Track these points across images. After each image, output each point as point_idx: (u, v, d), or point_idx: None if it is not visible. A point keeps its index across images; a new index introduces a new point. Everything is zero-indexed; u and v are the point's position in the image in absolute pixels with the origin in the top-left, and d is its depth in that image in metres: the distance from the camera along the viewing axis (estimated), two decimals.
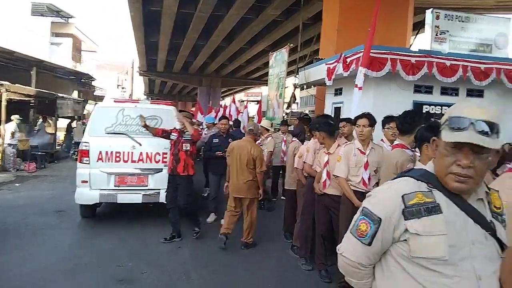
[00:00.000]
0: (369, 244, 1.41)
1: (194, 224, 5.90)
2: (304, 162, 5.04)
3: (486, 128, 1.25)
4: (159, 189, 6.21)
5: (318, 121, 4.70)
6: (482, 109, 1.30)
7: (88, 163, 6.11)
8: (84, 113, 19.48)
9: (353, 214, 3.85)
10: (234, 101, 16.60)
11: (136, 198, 6.23)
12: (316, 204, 4.56)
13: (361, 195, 3.89)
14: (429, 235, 1.30)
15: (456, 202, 1.33)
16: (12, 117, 12.37)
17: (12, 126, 12.17)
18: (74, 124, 18.08)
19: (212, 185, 6.91)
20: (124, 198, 6.17)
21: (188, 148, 5.64)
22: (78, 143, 15.51)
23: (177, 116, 5.95)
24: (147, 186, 6.30)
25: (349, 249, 1.50)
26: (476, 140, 1.24)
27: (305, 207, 4.86)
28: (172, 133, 5.76)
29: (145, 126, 5.70)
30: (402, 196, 1.36)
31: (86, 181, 6.11)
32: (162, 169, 6.26)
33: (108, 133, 6.22)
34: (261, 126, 8.22)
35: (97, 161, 6.13)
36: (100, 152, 6.15)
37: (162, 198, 6.10)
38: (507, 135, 7.51)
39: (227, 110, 17.50)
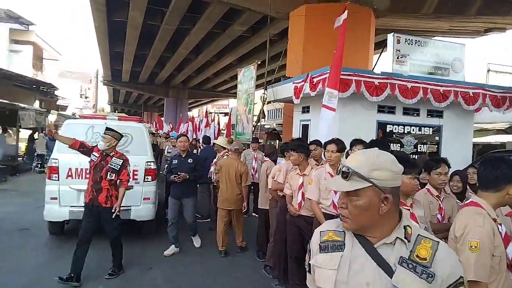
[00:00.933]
0: (309, 271, 1.59)
1: (113, 264, 5.13)
2: (274, 180, 5.18)
3: (344, 174, 1.39)
4: (130, 206, 6.24)
5: (295, 144, 4.80)
6: (352, 157, 1.45)
7: (57, 180, 6.09)
8: (47, 124, 18.79)
9: None
10: (206, 116, 16.51)
11: None
12: (288, 226, 4.69)
13: (331, 218, 4.06)
14: (324, 268, 1.44)
15: (361, 243, 1.40)
16: None
17: None
18: (36, 136, 17.49)
19: (171, 208, 6.10)
20: None
21: (113, 178, 4.86)
22: (40, 155, 15.11)
23: (103, 136, 5.00)
24: None
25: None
26: (329, 184, 1.54)
27: (278, 227, 4.97)
28: (94, 152, 4.96)
29: (55, 135, 5.29)
30: (320, 233, 1.54)
31: (56, 198, 6.07)
32: (132, 186, 6.23)
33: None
34: (216, 144, 8.12)
35: (67, 178, 6.12)
36: (70, 169, 6.14)
37: (133, 215, 6.31)
38: (464, 154, 8.05)
39: (196, 123, 17.51)
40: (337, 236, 1.47)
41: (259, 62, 11.62)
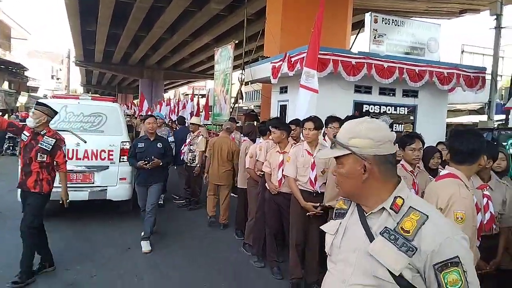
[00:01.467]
0: None
1: (20, 266, 4.26)
2: (257, 160, 5.19)
3: (332, 143, 1.47)
4: (106, 186, 6.32)
5: (276, 121, 4.83)
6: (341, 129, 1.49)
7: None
8: (17, 105, 18.25)
9: (301, 213, 4.09)
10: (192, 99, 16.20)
11: (82, 195, 6.21)
12: (267, 203, 4.73)
13: (308, 195, 4.12)
14: (327, 233, 1.53)
15: (358, 212, 1.44)
16: None
17: None
18: (6, 117, 16.93)
19: (141, 197, 5.61)
20: (71, 196, 5.93)
21: (44, 159, 4.24)
22: (12, 138, 14.65)
23: (33, 111, 4.44)
24: (93, 183, 6.31)
25: None
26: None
27: (259, 205, 5.00)
28: (24, 131, 4.35)
29: None
30: (336, 201, 1.62)
31: None
32: (108, 166, 6.36)
33: None
34: (191, 123, 8.12)
35: None
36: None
37: (109, 195, 6.37)
38: (438, 133, 8.24)
39: (173, 104, 17.27)
40: (345, 204, 1.53)
41: (237, 42, 11.48)
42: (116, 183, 6.40)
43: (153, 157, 5.38)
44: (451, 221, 1.37)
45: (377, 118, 7.89)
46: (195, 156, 7.60)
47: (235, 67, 12.21)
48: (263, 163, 5.00)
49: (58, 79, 57.29)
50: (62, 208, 5.01)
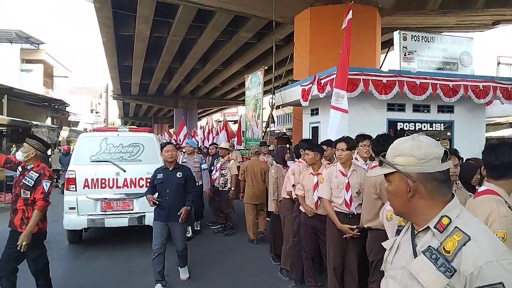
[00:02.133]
0: None
1: None
2: (293, 185, 5.17)
3: (380, 161, 1.49)
4: (144, 212, 6.52)
5: (309, 143, 4.83)
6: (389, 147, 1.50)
7: (75, 190, 6.35)
8: (59, 139, 19.13)
9: (338, 235, 4.01)
10: (226, 127, 16.41)
11: (122, 222, 6.49)
12: (302, 227, 4.68)
13: (344, 217, 4.05)
14: (387, 249, 1.55)
15: (411, 230, 1.44)
16: None
17: None
18: (49, 152, 17.74)
19: (157, 235, 4.95)
20: (111, 222, 6.41)
21: (28, 197, 3.86)
22: (56, 170, 15.29)
23: (24, 144, 4.14)
24: (132, 209, 6.57)
25: None
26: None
27: (296, 229, 4.94)
28: (19, 167, 4.12)
29: None
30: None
31: (74, 208, 6.33)
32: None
33: (93, 161, 6.51)
34: (220, 148, 8.30)
35: (84, 188, 6.38)
36: (86, 180, 6.40)
37: (147, 221, 6.47)
38: (477, 148, 7.94)
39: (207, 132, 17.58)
40: (404, 222, 1.55)
41: (266, 68, 11.66)
42: (153, 209, 6.53)
43: (168, 190, 4.93)
44: (503, 245, 1.26)
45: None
46: (226, 180, 7.72)
47: (265, 92, 12.38)
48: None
49: (97, 112, 59.81)
50: (103, 235, 5.19)
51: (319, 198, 4.38)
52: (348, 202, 4.05)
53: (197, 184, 6.67)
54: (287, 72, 12.27)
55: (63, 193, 6.57)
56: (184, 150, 10.64)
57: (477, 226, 1.31)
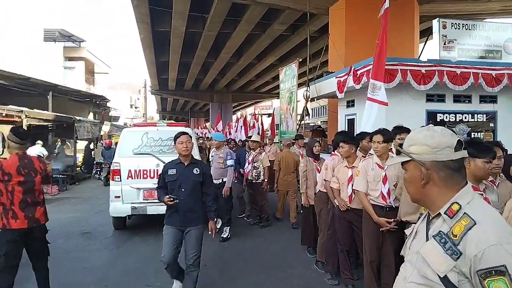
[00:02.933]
0: None
1: None
2: (324, 180, 5.15)
3: (397, 150, 1.58)
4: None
5: (345, 136, 4.74)
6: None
7: (120, 181, 6.88)
8: (101, 134, 19.85)
9: (374, 228, 3.98)
10: (255, 118, 16.30)
11: (162, 209, 6.54)
12: (337, 220, 4.67)
13: (381, 209, 4.00)
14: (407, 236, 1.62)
15: (427, 216, 1.52)
16: (37, 142, 12.76)
17: (37, 149, 12.50)
18: (91, 146, 18.47)
19: (168, 244, 4.11)
20: (152, 209, 6.80)
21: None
22: (99, 163, 15.94)
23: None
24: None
25: None
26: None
27: (331, 222, 4.95)
28: None
29: None
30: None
31: (119, 196, 6.87)
32: None
33: (135, 154, 7.01)
34: (251, 141, 8.34)
35: (127, 179, 6.88)
36: (130, 171, 6.86)
37: None
38: None
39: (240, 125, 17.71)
40: (424, 210, 1.60)
41: (301, 60, 11.60)
42: None
43: (183, 190, 4.06)
44: (508, 230, 1.28)
45: (453, 127, 7.50)
46: (259, 172, 7.82)
47: (300, 85, 12.30)
48: (329, 181, 4.98)
49: (136, 107, 61.43)
50: (143, 224, 5.40)
51: (353, 191, 4.35)
52: (386, 195, 4.00)
53: (221, 180, 6.86)
54: (321, 64, 12.16)
55: (106, 185, 6.90)
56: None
57: (485, 212, 1.35)
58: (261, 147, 8.42)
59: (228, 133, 19.38)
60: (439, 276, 1.30)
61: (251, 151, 8.15)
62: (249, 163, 8.00)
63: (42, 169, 3.97)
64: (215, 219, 4.34)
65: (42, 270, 4.06)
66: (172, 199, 3.98)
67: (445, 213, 1.38)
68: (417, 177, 1.44)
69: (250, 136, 9.21)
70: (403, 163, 1.51)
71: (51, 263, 5.53)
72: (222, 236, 6.73)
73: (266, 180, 7.80)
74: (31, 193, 3.82)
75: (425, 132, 1.46)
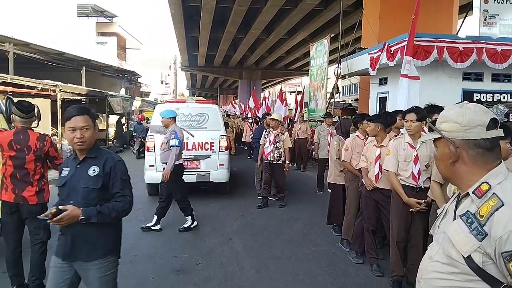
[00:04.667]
0: None
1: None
2: (343, 161, 5.09)
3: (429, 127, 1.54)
4: (209, 171, 7.90)
5: (372, 115, 4.70)
6: None
7: (154, 152, 7.60)
8: (132, 109, 20.24)
9: (403, 209, 3.91)
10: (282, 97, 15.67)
11: (192, 178, 7.68)
12: (364, 199, 4.60)
13: (411, 190, 3.91)
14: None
15: (457, 196, 1.49)
16: None
17: None
18: (123, 120, 18.86)
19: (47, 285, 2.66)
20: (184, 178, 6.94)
21: None
22: (132, 137, 16.33)
23: None
24: (199, 168, 7.91)
25: None
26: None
27: (361, 201, 4.89)
28: None
29: None
30: None
31: (153, 165, 7.63)
32: (210, 155, 7.92)
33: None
34: (271, 119, 7.77)
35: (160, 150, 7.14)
36: (162, 143, 6.90)
37: (212, 178, 7.92)
38: None
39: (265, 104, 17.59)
40: (457, 189, 1.56)
41: (333, 35, 11.32)
42: (216, 168, 7.92)
43: (72, 201, 2.43)
44: None
45: (490, 107, 7.17)
46: (281, 153, 7.48)
47: (331, 62, 12.05)
48: (346, 162, 5.02)
49: (166, 83, 62.20)
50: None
51: (382, 170, 4.26)
52: (416, 175, 3.89)
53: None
54: (354, 40, 11.82)
55: (138, 158, 7.11)
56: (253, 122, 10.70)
57: None
58: (284, 127, 8.03)
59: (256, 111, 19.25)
60: (463, 256, 1.28)
61: (271, 129, 7.64)
62: (270, 143, 7.51)
63: (38, 148, 3.70)
64: (111, 215, 2.48)
65: (33, 253, 3.74)
66: (54, 212, 2.30)
67: (473, 192, 1.35)
68: (446, 154, 1.42)
69: (269, 113, 9.01)
70: (434, 140, 1.49)
71: None
72: (184, 226, 6.09)
73: (288, 162, 7.55)
74: (21, 170, 3.67)
75: (457, 109, 1.42)
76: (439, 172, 1.55)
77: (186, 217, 6.13)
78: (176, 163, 5.92)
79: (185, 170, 6.73)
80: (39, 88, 11.72)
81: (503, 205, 1.24)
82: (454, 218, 1.39)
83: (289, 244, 5.54)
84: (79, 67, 19.74)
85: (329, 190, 6.66)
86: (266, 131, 7.78)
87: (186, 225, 6.07)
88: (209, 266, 4.71)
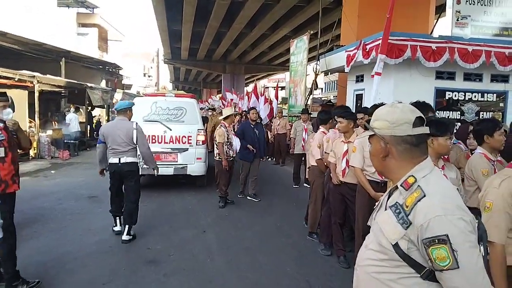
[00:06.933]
0: None
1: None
2: (325, 152, 5.18)
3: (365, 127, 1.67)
4: (186, 164, 8.00)
5: (343, 110, 4.72)
6: None
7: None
8: (113, 101, 20.03)
9: (369, 203, 4.04)
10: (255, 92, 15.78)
11: (169, 171, 7.92)
12: (331, 193, 4.73)
13: (376, 185, 4.05)
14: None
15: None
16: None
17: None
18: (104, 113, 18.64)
19: None
20: (161, 171, 7.04)
21: (2, 155, 3.57)
22: None
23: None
24: (177, 161, 7.98)
25: None
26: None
27: (327, 195, 5.01)
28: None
29: None
30: None
31: None
32: (188, 148, 7.99)
33: (145, 121, 7.56)
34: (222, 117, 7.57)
35: None
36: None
37: (189, 171, 8.03)
38: None
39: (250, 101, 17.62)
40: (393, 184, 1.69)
41: (312, 32, 11.42)
42: (194, 161, 8.02)
43: None
44: (456, 202, 1.35)
45: (462, 105, 7.39)
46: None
47: (311, 59, 12.16)
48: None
49: (149, 76, 61.55)
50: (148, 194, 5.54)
51: (348, 166, 4.39)
52: None
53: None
54: (335, 37, 11.93)
55: None
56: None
57: (438, 185, 1.42)
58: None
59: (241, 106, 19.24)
60: (391, 243, 1.40)
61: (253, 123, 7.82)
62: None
63: None
64: None
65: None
66: None
67: (401, 185, 1.47)
68: (378, 150, 1.53)
69: (254, 108, 9.08)
70: (369, 137, 1.60)
71: (58, 223, 5.83)
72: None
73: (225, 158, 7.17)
74: None
75: (387, 109, 1.54)
76: (374, 166, 1.66)
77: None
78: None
79: (162, 163, 6.96)
80: (16, 79, 11.53)
81: (425, 196, 1.37)
82: (385, 209, 1.51)
83: (261, 236, 5.65)
84: (58, 58, 19.37)
85: (306, 185, 6.78)
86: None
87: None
88: (181, 258, 4.78)
